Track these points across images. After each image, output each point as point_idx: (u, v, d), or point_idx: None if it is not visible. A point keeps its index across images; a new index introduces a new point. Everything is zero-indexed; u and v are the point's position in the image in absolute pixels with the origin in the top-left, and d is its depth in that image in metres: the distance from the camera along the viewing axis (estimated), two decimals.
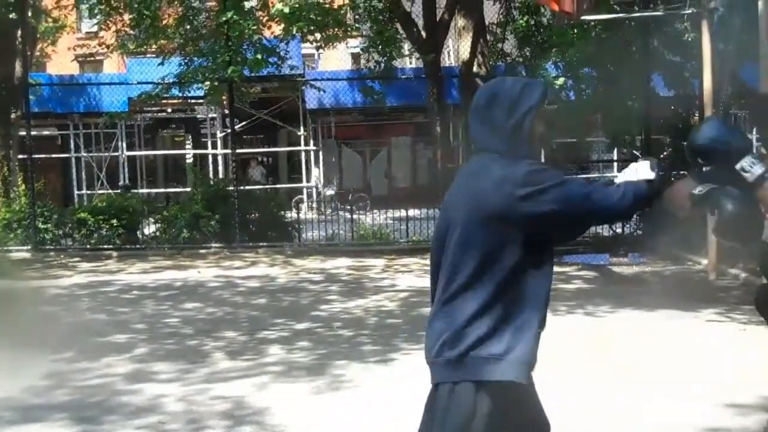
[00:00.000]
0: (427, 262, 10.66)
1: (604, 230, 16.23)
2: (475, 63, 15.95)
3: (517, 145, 2.99)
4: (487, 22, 17.41)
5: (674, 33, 14.79)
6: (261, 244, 15.14)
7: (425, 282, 11.16)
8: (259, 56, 16.80)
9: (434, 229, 3.26)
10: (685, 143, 3.19)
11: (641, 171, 3.08)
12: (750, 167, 3.02)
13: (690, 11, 12.21)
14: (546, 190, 2.89)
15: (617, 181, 3.05)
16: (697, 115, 14.50)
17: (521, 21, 18.33)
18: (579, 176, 17.54)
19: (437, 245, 3.13)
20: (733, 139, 3.08)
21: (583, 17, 12.54)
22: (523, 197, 2.88)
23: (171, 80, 18.53)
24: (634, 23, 14.99)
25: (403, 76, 21.44)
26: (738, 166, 3.04)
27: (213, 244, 15.13)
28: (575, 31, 15.81)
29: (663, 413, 5.67)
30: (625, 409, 5.81)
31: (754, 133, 13.29)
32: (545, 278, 3.04)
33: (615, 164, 24.19)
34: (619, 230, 16.28)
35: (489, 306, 2.93)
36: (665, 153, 15.96)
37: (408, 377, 6.73)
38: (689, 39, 13.60)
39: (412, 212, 16.34)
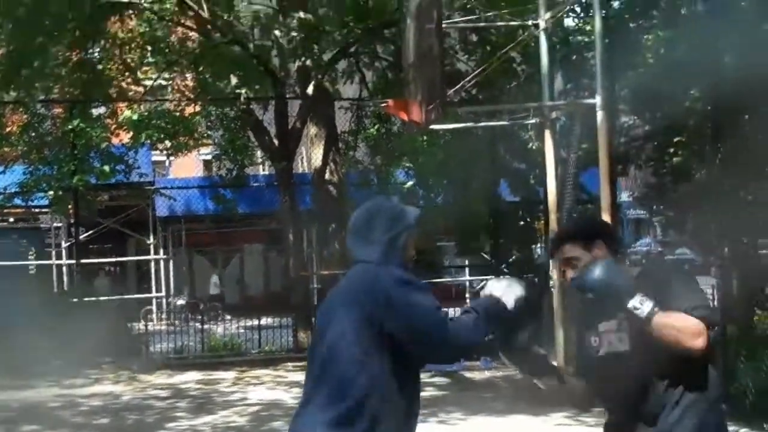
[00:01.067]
0: (279, 373, 10.50)
1: None
2: (327, 170, 16.03)
3: (391, 257, 3.18)
4: (338, 130, 17.59)
5: (519, 142, 15.29)
6: (106, 359, 14.47)
7: (277, 394, 11.00)
8: (106, 167, 16.44)
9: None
10: (573, 280, 3.42)
11: (513, 289, 3.34)
12: (640, 305, 3.28)
13: (534, 121, 12.63)
14: (408, 302, 3.04)
15: (485, 292, 3.31)
16: (542, 219, 14.92)
17: (372, 129, 18.64)
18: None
19: (311, 348, 3.25)
20: (621, 282, 3.33)
21: (431, 126, 12.79)
22: (388, 304, 3.01)
23: (13, 189, 17.86)
24: (482, 132, 15.43)
25: (255, 184, 21.36)
26: (630, 306, 3.29)
27: (53, 361, 14.35)
28: (425, 138, 16.15)
29: None
30: None
31: None
32: (408, 394, 3.11)
33: (467, 270, 24.64)
34: None
35: (345, 416, 2.96)
36: (513, 258, 16.31)
37: None
38: (533, 147, 14.06)
39: (264, 321, 16.04)
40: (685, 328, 3.23)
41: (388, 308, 3.01)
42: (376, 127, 18.55)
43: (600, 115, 10.37)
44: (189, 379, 12.88)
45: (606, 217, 10.12)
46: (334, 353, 3.03)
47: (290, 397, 10.93)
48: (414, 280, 3.14)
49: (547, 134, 11.99)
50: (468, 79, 14.31)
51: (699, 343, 3.23)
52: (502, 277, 3.55)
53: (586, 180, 13.63)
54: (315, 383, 3.08)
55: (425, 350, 3.09)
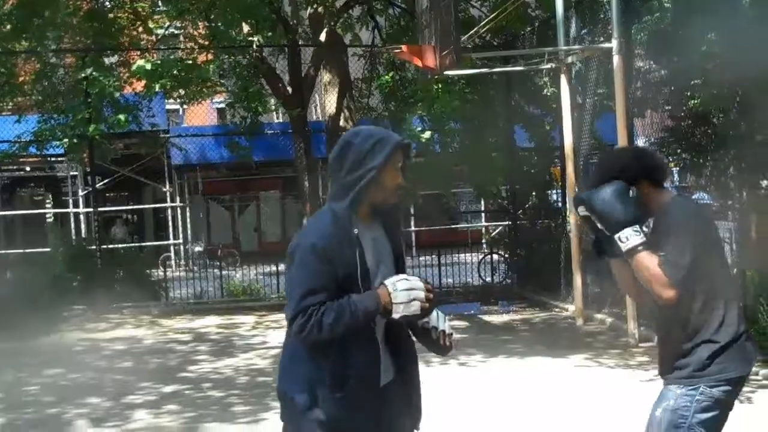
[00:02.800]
0: None
1: (474, 279, 16.48)
2: (341, 117, 16.01)
3: (341, 201, 3.17)
4: (352, 78, 17.54)
5: (534, 87, 15.23)
6: (126, 304, 14.66)
7: None
8: (121, 116, 16.43)
9: None
10: (576, 195, 3.46)
11: (439, 320, 3.30)
12: (626, 239, 3.37)
13: (549, 66, 12.59)
14: (290, 269, 3.20)
15: (395, 285, 3.13)
16: (558, 165, 14.92)
17: (386, 76, 18.54)
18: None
19: None
20: (619, 209, 3.38)
21: (446, 72, 12.75)
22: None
23: (28, 138, 17.90)
24: (497, 77, 15.37)
25: (270, 131, 21.34)
26: (617, 235, 3.39)
27: (76, 306, 14.55)
28: (439, 85, 16.08)
29: None
30: None
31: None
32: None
33: (483, 215, 24.69)
34: (488, 279, 16.53)
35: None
36: (530, 203, 16.34)
37: None
38: (549, 93, 14.01)
39: (282, 267, 16.13)
40: (656, 276, 3.32)
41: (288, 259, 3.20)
42: (390, 74, 18.45)
43: (616, 59, 10.34)
44: (209, 323, 13.04)
45: None
46: None
47: None
48: (313, 251, 3.12)
49: (563, 79, 11.98)
50: (482, 24, 14.25)
51: (666, 293, 3.32)
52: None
53: (602, 125, 13.60)
54: None
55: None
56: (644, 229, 3.49)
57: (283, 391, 3.32)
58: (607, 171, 3.59)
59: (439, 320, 3.31)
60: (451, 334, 3.33)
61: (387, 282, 3.14)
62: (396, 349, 3.32)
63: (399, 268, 3.36)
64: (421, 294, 3.12)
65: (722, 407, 3.43)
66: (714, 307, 3.43)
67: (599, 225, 3.47)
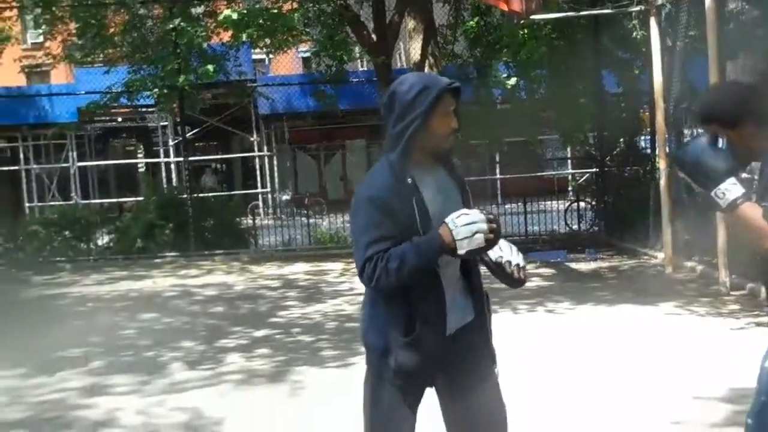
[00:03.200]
0: None
1: (560, 227, 16.34)
2: (426, 64, 15.90)
3: (395, 149, 3.18)
4: (437, 24, 17.38)
5: (623, 30, 14.89)
6: (217, 251, 14.98)
7: None
8: (210, 67, 16.61)
9: None
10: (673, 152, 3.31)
11: (512, 252, 3.26)
12: (723, 194, 3.12)
13: (638, 8, 12.30)
14: (352, 219, 3.26)
15: (455, 222, 3.07)
16: (647, 111, 14.62)
17: (471, 22, 18.33)
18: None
19: None
20: (714, 163, 3.16)
21: (532, 17, 12.56)
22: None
23: (119, 89, 18.27)
24: (584, 21, 15.07)
25: (355, 80, 21.38)
26: (712, 192, 3.15)
27: (168, 253, 14.93)
28: (525, 31, 15.85)
29: (631, 407, 5.67)
30: (594, 404, 5.79)
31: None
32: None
33: (569, 162, 24.40)
34: (575, 227, 16.39)
35: (370, 299, 3.40)
36: (617, 149, 16.07)
37: None
38: (638, 36, 13.69)
39: None
40: (761, 228, 3.06)
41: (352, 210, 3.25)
42: (475, 19, 18.22)
43: (708, 0, 10.03)
44: (297, 270, 13.24)
45: None
46: None
47: None
48: (372, 203, 3.16)
49: (653, 22, 11.69)
50: None
51: None
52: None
53: (693, 69, 13.25)
54: None
55: None
56: (747, 175, 3.27)
57: (364, 337, 3.38)
58: (707, 109, 3.39)
59: (512, 253, 3.27)
60: (524, 266, 3.27)
61: (447, 220, 3.09)
62: (474, 291, 3.35)
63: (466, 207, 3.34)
64: (484, 226, 3.06)
65: None
66: None
67: (694, 185, 3.33)
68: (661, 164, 11.58)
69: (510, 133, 20.24)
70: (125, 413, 6.13)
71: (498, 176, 25.51)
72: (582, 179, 22.27)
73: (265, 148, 25.99)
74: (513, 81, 18.18)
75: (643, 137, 15.99)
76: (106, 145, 28.78)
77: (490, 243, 3.10)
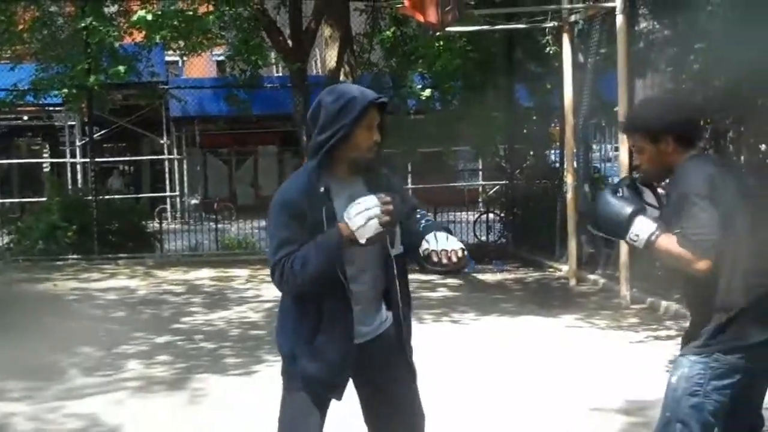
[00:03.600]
0: None
1: (469, 238, 16.47)
2: (341, 72, 15.88)
3: (315, 157, 3.22)
4: (354, 33, 17.39)
5: (536, 45, 15.09)
6: (121, 255, 14.67)
7: None
8: (121, 67, 16.29)
9: None
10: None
11: (438, 241, 3.18)
12: (637, 236, 3.31)
13: (552, 24, 12.48)
14: (268, 222, 3.32)
15: (348, 214, 3.09)
16: (557, 125, 14.85)
17: (388, 32, 18.38)
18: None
19: None
20: (619, 211, 3.33)
21: (447, 29, 12.63)
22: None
23: (26, 87, 17.78)
24: (498, 35, 15.24)
25: (269, 85, 21.18)
26: (627, 238, 3.34)
27: (70, 256, 14.56)
28: (441, 42, 15.95)
29: (529, 419, 5.70)
30: (493, 414, 5.81)
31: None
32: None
33: (480, 173, 24.64)
34: (484, 238, 16.53)
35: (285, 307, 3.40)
36: (527, 162, 16.29)
37: (271, 388, 6.58)
38: (551, 52, 13.89)
39: None
40: (680, 255, 3.24)
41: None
42: (392, 29, 18.28)
43: (620, 19, 10.26)
44: (203, 275, 13.04)
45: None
46: None
47: None
48: (285, 207, 3.22)
49: (565, 38, 11.89)
50: None
51: (697, 267, 3.23)
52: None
53: (603, 86, 13.51)
54: None
55: None
56: (662, 191, 3.45)
57: (277, 344, 3.40)
58: (633, 120, 3.58)
59: (441, 241, 3.19)
60: (458, 250, 3.16)
61: (344, 214, 3.12)
62: (390, 303, 3.36)
63: None
64: (376, 210, 3.05)
65: (740, 373, 3.33)
66: (730, 273, 3.30)
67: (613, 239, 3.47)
68: (569, 178, 11.76)
69: (424, 143, 20.34)
70: (18, 419, 5.93)
71: (410, 186, 25.60)
72: (492, 191, 22.51)
73: (175, 151, 25.59)
74: (428, 92, 18.28)
75: (552, 151, 16.24)
76: (10, 144, 27.97)
77: (387, 225, 3.08)
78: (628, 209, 3.32)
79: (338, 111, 3.16)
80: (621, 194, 3.40)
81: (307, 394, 3.27)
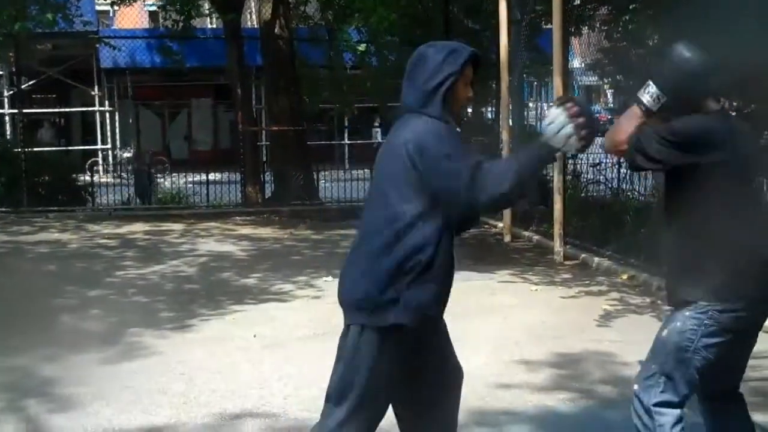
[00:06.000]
0: (228, 226, 10.50)
1: None
2: (276, 25, 15.71)
3: (430, 106, 3.18)
4: None
5: (473, 1, 15.11)
6: (51, 208, 14.40)
7: (225, 247, 11.00)
8: (49, 15, 15.86)
9: None
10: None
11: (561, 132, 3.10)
12: (644, 92, 3.40)
13: None
14: (430, 155, 3.09)
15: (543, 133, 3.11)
16: (494, 83, 14.90)
17: None
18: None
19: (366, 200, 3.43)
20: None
21: None
22: (412, 154, 3.10)
23: None
24: None
25: (202, 36, 20.87)
26: (646, 87, 3.41)
27: None
28: None
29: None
30: None
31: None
32: (444, 233, 3.19)
33: None
34: None
35: (388, 255, 3.12)
36: (464, 119, 16.33)
37: (205, 342, 6.59)
38: (487, 8, 13.91)
39: (213, 176, 16.00)
40: (621, 128, 3.42)
41: (422, 156, 3.10)
42: None
43: None
44: (137, 229, 12.86)
45: (557, 81, 10.19)
46: (381, 197, 3.21)
47: (239, 249, 11.04)
48: (446, 133, 3.15)
49: None
50: None
51: (616, 144, 3.44)
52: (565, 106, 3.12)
53: (540, 42, 13.59)
54: (364, 226, 3.28)
55: (449, 202, 3.12)
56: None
57: (363, 293, 3.20)
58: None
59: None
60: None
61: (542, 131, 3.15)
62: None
63: None
64: (569, 129, 3.08)
65: (733, 332, 3.35)
66: (728, 228, 3.33)
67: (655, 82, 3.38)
68: (504, 135, 11.84)
69: (360, 99, 20.30)
70: None
71: (346, 141, 25.56)
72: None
73: (107, 103, 25.12)
74: (363, 47, 18.20)
75: (489, 108, 16.31)
76: None
77: (586, 136, 3.10)
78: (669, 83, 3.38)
79: (443, 60, 3.20)
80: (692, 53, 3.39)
81: (402, 342, 3.18)
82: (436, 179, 3.08)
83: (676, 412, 3.40)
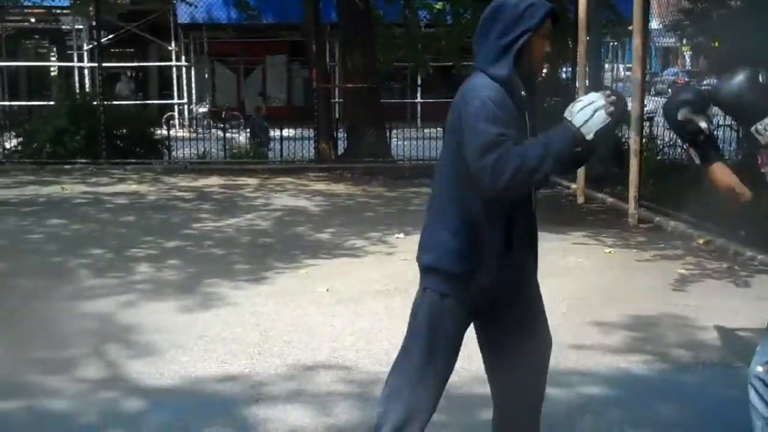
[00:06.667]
0: (302, 182, 10.59)
1: None
2: None
3: (499, 64, 3.04)
4: None
5: None
6: (129, 160, 14.67)
7: (299, 202, 11.10)
8: None
9: None
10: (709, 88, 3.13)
11: (596, 115, 2.93)
12: (765, 130, 3.03)
13: None
14: (471, 124, 2.95)
15: (571, 112, 2.93)
16: (570, 42, 14.68)
17: None
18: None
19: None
20: (755, 98, 3.06)
21: None
22: (462, 117, 3.00)
23: None
24: None
25: None
26: (753, 128, 3.06)
27: (78, 160, 14.57)
28: None
29: None
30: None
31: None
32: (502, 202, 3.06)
33: None
34: None
35: (448, 221, 3.10)
36: (541, 77, 16.14)
37: (279, 295, 6.68)
38: None
39: (286, 132, 16.11)
40: None
41: (462, 121, 3.00)
42: None
43: None
44: (212, 183, 13.05)
45: (637, 41, 9.99)
46: (445, 157, 3.16)
47: (312, 204, 11.13)
48: (497, 99, 2.97)
49: None
50: None
51: None
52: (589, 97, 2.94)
53: (618, 2, 13.33)
54: (434, 185, 3.22)
55: (474, 175, 2.97)
56: None
57: (438, 261, 3.17)
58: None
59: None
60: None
61: (564, 115, 2.96)
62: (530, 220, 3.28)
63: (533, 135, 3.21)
64: (600, 101, 2.91)
65: None
66: None
67: (732, 118, 3.19)
68: (581, 95, 11.67)
69: (435, 57, 20.16)
70: (27, 316, 6.02)
71: (419, 100, 25.47)
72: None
73: (183, 58, 25.38)
74: (440, 5, 18.04)
75: (565, 67, 16.07)
76: (18, 46, 27.70)
77: (614, 115, 2.93)
78: (765, 100, 3.10)
79: (521, 14, 3.03)
80: (763, 80, 3.15)
81: (468, 312, 3.18)
82: (465, 147, 2.98)
83: None
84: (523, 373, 3.30)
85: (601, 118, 2.90)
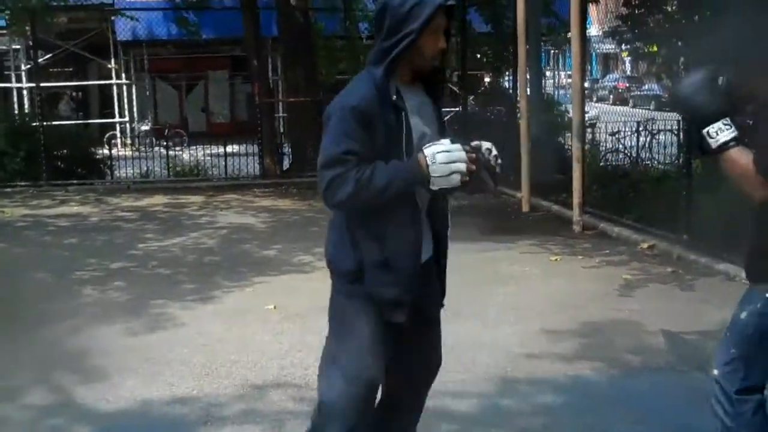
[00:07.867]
0: (247, 198, 10.49)
1: None
2: None
3: (377, 68, 3.01)
4: None
5: None
6: (71, 181, 14.45)
7: (245, 219, 11.00)
8: None
9: None
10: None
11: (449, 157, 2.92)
12: (716, 134, 2.97)
13: None
14: (325, 132, 3.03)
15: (432, 156, 2.90)
16: (511, 49, 14.81)
17: None
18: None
19: None
20: (708, 101, 3.00)
21: None
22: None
23: None
24: None
25: (219, 7, 20.79)
26: (705, 130, 3.00)
27: (18, 183, 14.31)
28: None
29: (479, 340, 5.78)
30: (446, 336, 5.87)
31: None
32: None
33: None
34: None
35: (339, 223, 3.25)
36: (482, 88, 16.27)
37: (226, 314, 6.62)
38: None
39: (230, 148, 16.00)
40: (747, 174, 2.95)
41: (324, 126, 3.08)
42: None
43: None
44: (156, 202, 12.88)
45: (575, 48, 10.09)
46: None
47: (258, 221, 11.05)
48: (353, 113, 2.96)
49: None
50: None
51: (759, 193, 2.97)
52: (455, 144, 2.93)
53: (556, 8, 13.47)
54: None
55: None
56: (747, 122, 3.10)
57: (334, 260, 3.26)
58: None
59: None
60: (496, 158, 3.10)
61: (426, 151, 2.92)
62: (436, 224, 3.26)
63: (442, 134, 3.18)
64: (462, 166, 2.89)
65: None
66: None
67: (683, 118, 3.17)
68: (522, 104, 11.76)
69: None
70: None
71: None
72: (446, 118, 22.44)
73: (124, 76, 25.12)
74: None
75: (506, 77, 16.21)
76: None
77: (466, 185, 2.95)
78: (721, 102, 3.00)
79: (405, 15, 2.95)
80: (721, 83, 3.03)
81: (374, 315, 3.15)
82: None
83: (757, 397, 3.24)
84: (408, 384, 3.45)
85: (453, 182, 2.92)
